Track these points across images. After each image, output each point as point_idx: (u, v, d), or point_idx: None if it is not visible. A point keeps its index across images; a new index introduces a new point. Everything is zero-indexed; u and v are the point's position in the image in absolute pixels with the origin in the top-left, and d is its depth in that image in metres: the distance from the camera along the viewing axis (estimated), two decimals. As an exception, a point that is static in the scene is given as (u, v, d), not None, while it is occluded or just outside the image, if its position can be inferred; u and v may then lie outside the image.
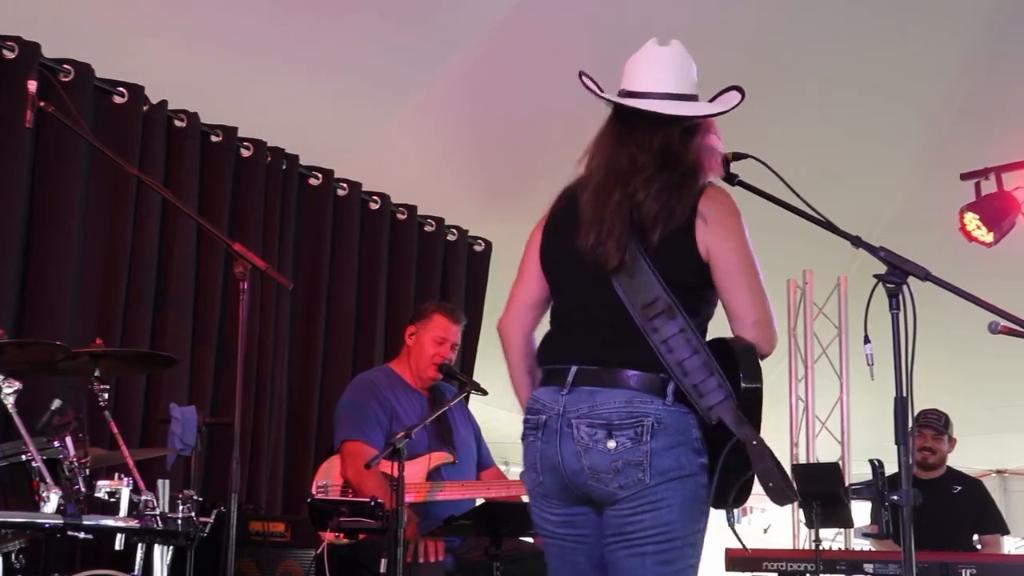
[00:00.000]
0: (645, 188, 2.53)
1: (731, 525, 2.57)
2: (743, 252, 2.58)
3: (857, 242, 2.73)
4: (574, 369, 2.53)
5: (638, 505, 2.47)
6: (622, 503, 2.48)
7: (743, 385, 2.47)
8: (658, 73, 2.64)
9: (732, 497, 2.51)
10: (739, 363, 2.48)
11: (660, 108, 2.59)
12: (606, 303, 2.55)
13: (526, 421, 2.60)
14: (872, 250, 2.67)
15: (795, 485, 5.79)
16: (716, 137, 2.68)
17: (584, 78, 2.66)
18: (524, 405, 2.70)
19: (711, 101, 2.68)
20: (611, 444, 2.46)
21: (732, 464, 2.46)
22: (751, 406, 2.46)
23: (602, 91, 2.67)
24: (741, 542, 2.62)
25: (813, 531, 5.21)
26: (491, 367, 6.11)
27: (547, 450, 2.53)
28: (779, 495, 2.40)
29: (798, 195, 2.77)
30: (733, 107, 2.64)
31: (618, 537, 2.51)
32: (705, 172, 2.60)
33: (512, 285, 2.81)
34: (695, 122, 2.63)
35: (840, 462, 6.53)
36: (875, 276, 2.64)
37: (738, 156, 2.80)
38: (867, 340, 2.73)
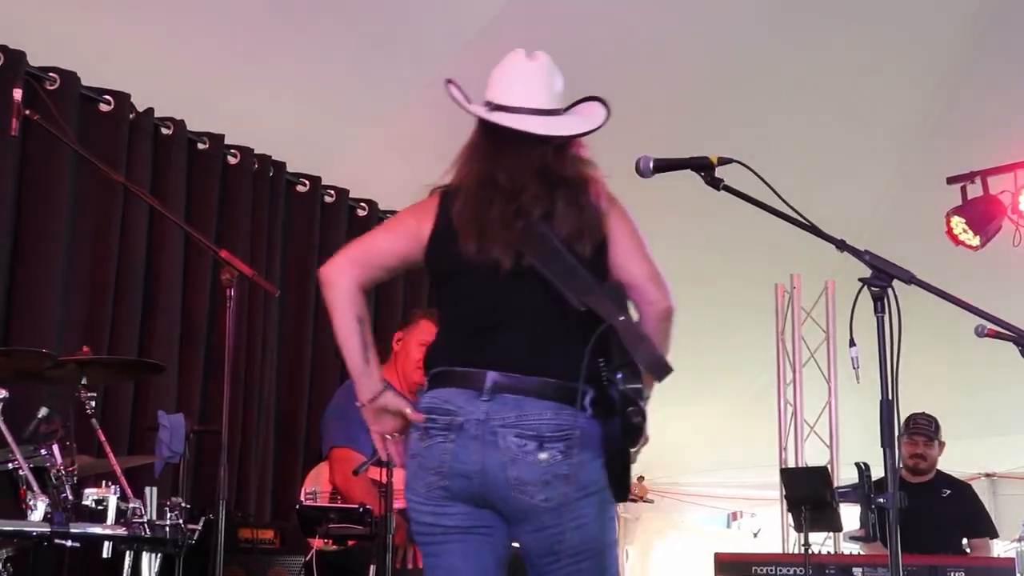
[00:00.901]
0: (539, 204, 2.54)
1: (627, 465, 2.54)
2: (632, 228, 2.64)
3: (842, 246, 2.74)
4: (492, 375, 2.47)
5: (562, 522, 2.44)
6: (544, 518, 2.44)
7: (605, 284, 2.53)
8: (527, 87, 2.65)
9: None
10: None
11: (531, 127, 2.60)
12: (517, 305, 2.53)
13: (432, 421, 2.50)
14: (857, 253, 2.68)
15: (784, 490, 5.81)
16: (586, 148, 2.70)
17: (451, 87, 2.66)
18: (355, 357, 2.61)
19: (568, 109, 2.70)
20: (543, 456, 2.42)
21: (618, 448, 2.47)
22: (616, 296, 2.51)
23: (469, 101, 2.67)
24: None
25: (802, 535, 5.22)
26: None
27: (461, 454, 2.45)
28: (657, 366, 2.41)
29: (782, 199, 2.77)
30: (601, 125, 2.67)
31: (552, 558, 2.48)
32: (588, 181, 2.62)
33: (364, 236, 2.75)
34: (565, 139, 2.65)
35: (829, 466, 6.54)
36: (860, 280, 2.65)
37: (723, 161, 2.81)
38: (852, 343, 2.74)
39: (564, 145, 2.64)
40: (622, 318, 2.44)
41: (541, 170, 2.58)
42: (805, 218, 2.78)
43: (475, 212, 2.54)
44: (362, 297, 2.64)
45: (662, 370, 2.42)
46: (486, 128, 2.66)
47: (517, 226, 2.52)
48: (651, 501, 7.03)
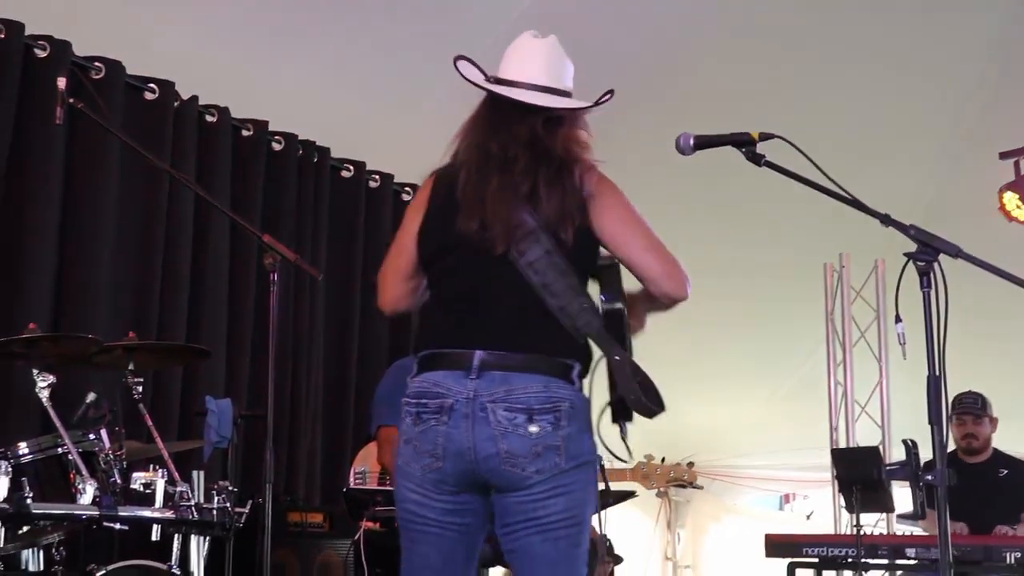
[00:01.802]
0: (527, 180, 2.54)
1: (623, 437, 2.59)
2: (629, 214, 2.60)
3: (886, 220, 2.69)
4: (479, 354, 2.49)
5: (551, 488, 2.47)
6: (535, 489, 2.47)
7: (604, 307, 2.55)
8: (531, 65, 2.66)
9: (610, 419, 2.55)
10: (601, 284, 2.56)
11: (526, 97, 2.61)
12: (505, 285, 2.54)
13: (422, 405, 2.52)
14: (901, 227, 2.64)
15: (835, 471, 5.77)
16: (585, 133, 2.68)
17: (461, 62, 2.67)
18: None
19: (593, 106, 2.68)
20: (533, 428, 2.45)
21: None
22: (615, 325, 2.54)
23: (486, 75, 2.67)
24: (628, 450, 2.62)
25: (854, 516, 5.17)
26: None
27: (454, 434, 2.48)
28: (641, 408, 2.48)
29: (825, 174, 2.73)
30: (596, 104, 2.65)
31: (528, 523, 2.49)
32: (575, 160, 2.60)
33: (385, 262, 2.77)
34: (560, 114, 2.63)
35: (880, 446, 6.46)
36: (905, 255, 2.61)
37: (765, 136, 2.76)
38: (899, 319, 2.70)
39: (557, 122, 2.62)
40: (617, 357, 2.51)
41: (530, 142, 2.58)
42: (848, 192, 2.73)
43: (475, 188, 2.55)
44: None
45: (646, 412, 2.51)
46: (487, 102, 2.67)
47: (513, 205, 2.53)
48: (701, 487, 6.98)
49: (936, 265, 2.58)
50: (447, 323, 2.58)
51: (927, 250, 2.59)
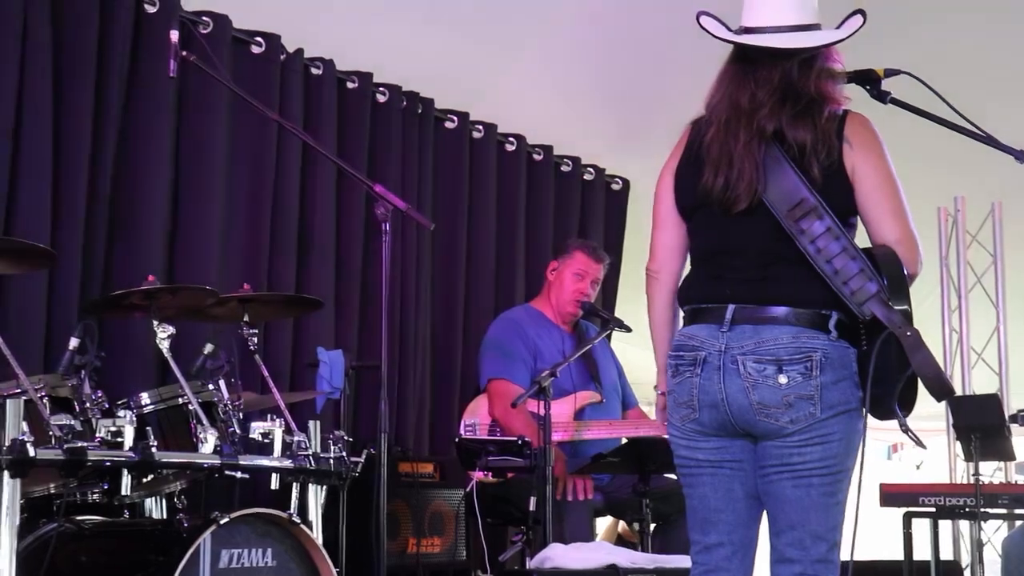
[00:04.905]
0: (772, 122, 2.53)
1: (904, 428, 2.51)
2: (886, 172, 2.57)
3: (1021, 156, 2.61)
4: (732, 307, 2.54)
5: (809, 437, 2.48)
6: (792, 437, 2.49)
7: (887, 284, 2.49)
8: (775, 5, 2.60)
9: (896, 402, 2.48)
10: (880, 267, 2.48)
11: (775, 42, 2.57)
12: (753, 237, 2.56)
13: (680, 357, 2.59)
14: (1040, 164, 2.54)
15: (952, 419, 5.64)
16: (839, 62, 2.63)
17: (704, 18, 2.62)
18: (661, 347, 2.74)
19: (837, 28, 2.61)
20: (782, 379, 2.47)
21: (882, 371, 2.45)
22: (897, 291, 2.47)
23: (729, 28, 2.63)
24: (918, 440, 2.55)
25: (971, 465, 5.05)
26: (632, 307, 6.05)
27: (707, 386, 2.53)
28: (938, 388, 2.41)
29: (955, 109, 2.65)
30: (851, 34, 2.58)
31: (782, 468, 2.52)
32: (828, 99, 2.57)
33: (652, 231, 2.79)
34: (810, 53, 2.58)
35: (998, 394, 6.30)
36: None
37: (890, 72, 2.69)
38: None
39: (811, 60, 2.58)
40: (909, 333, 2.42)
41: (781, 85, 2.56)
42: (981, 129, 2.65)
43: (721, 145, 2.57)
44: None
45: (944, 391, 2.43)
46: (735, 53, 2.65)
47: (760, 157, 2.53)
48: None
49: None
50: (703, 278, 2.63)
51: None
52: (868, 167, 2.54)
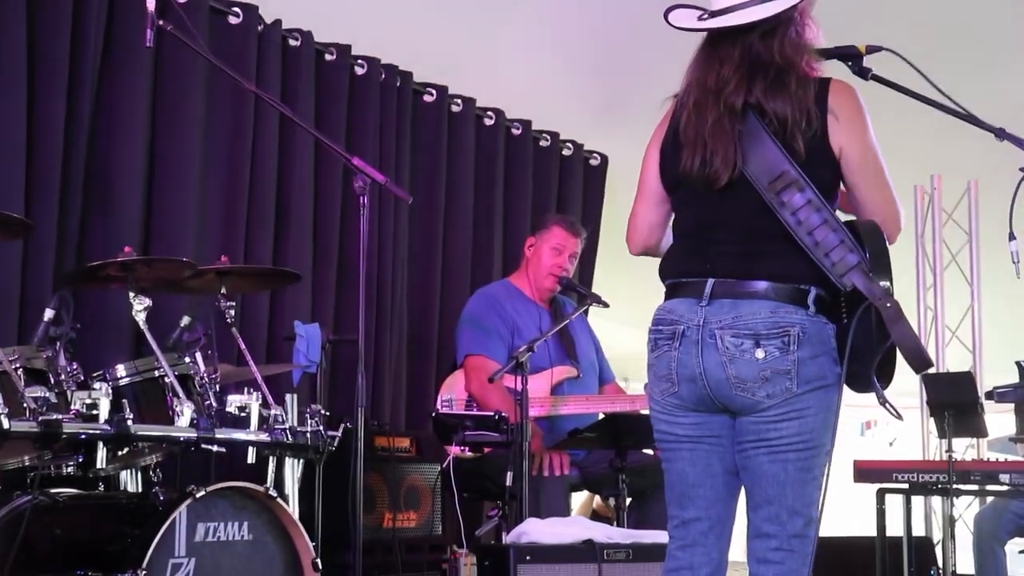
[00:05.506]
0: (739, 96, 2.54)
1: (882, 401, 2.51)
2: (871, 146, 2.57)
3: (1001, 134, 2.61)
4: (711, 282, 2.54)
5: (784, 412, 2.49)
6: (767, 411, 2.49)
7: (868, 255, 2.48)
8: None
9: (874, 374, 2.47)
10: (864, 241, 2.48)
11: (730, 20, 2.58)
12: (737, 212, 2.56)
13: (659, 331, 2.60)
14: (1018, 142, 2.56)
15: (926, 396, 5.65)
16: (809, 28, 2.62)
17: (673, 13, 2.66)
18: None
19: None
20: (759, 354, 2.47)
21: (862, 342, 2.45)
22: (879, 264, 2.47)
23: (700, 17, 2.64)
24: (896, 412, 2.54)
25: (944, 442, 5.08)
26: (610, 282, 6.06)
27: (685, 360, 2.54)
28: (917, 360, 2.40)
29: (935, 86, 2.65)
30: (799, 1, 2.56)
31: (759, 443, 2.52)
32: (793, 67, 2.55)
33: (633, 203, 2.80)
34: (771, 24, 2.57)
35: (972, 371, 6.34)
36: (1021, 169, 2.52)
37: (872, 49, 2.69)
38: (1012, 237, 2.63)
39: (771, 31, 2.58)
40: (888, 304, 2.40)
41: (745, 61, 2.57)
42: (961, 106, 2.65)
43: (696, 128, 2.58)
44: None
45: (923, 363, 2.41)
46: (705, 38, 2.66)
47: (733, 133, 2.53)
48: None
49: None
50: (685, 252, 2.63)
51: (1043, 165, 2.51)
52: (854, 141, 2.54)
